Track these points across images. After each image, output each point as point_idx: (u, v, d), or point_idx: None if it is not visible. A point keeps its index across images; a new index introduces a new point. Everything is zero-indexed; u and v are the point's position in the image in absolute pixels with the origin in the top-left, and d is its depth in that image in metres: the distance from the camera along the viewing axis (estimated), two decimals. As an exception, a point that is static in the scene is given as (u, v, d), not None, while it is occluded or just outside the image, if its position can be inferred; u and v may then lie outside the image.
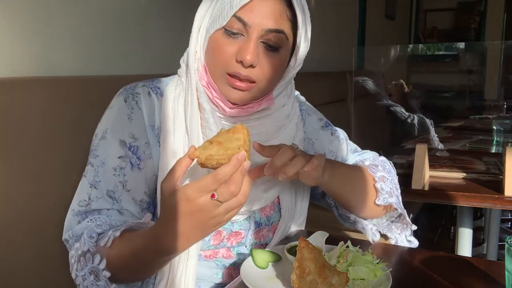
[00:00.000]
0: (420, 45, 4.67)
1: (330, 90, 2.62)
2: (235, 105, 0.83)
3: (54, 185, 0.99)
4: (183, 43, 0.87)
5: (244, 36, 0.78)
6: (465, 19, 5.06)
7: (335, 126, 1.08)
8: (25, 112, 0.95)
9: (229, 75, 0.79)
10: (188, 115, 0.83)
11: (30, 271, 0.95)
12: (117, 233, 0.73)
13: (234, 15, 0.77)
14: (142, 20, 1.44)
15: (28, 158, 0.95)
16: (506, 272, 0.66)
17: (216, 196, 0.63)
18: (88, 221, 0.80)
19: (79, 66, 1.22)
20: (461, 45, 4.46)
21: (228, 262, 0.92)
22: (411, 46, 4.67)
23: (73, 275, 0.78)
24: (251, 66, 0.78)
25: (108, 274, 0.72)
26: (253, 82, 0.80)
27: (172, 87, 0.87)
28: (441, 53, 4.47)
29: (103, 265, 0.72)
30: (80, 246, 0.76)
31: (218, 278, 0.92)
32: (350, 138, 1.11)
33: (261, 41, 0.79)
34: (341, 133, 1.08)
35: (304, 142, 1.00)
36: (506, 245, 0.65)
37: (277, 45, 0.80)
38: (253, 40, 0.77)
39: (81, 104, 1.06)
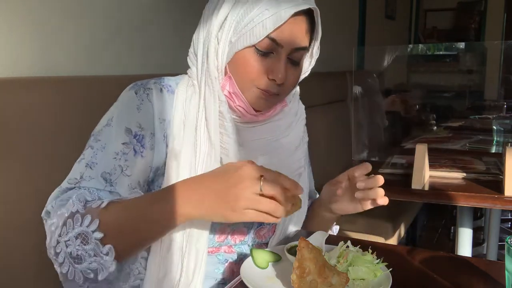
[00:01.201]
0: (420, 45, 4.67)
1: (330, 90, 2.62)
2: (257, 111, 0.87)
3: (54, 185, 0.99)
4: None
5: (273, 54, 0.83)
6: (465, 19, 5.05)
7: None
8: (25, 112, 0.95)
9: (259, 89, 0.84)
10: (212, 122, 0.84)
11: (29, 271, 0.95)
12: (114, 199, 0.74)
13: (268, 36, 0.80)
14: (142, 20, 1.44)
15: (28, 158, 0.95)
16: (506, 272, 0.66)
17: (262, 179, 0.66)
18: (75, 189, 0.78)
19: (80, 66, 1.22)
20: (461, 45, 4.46)
21: (230, 257, 0.93)
22: (411, 46, 4.66)
23: (51, 243, 0.71)
24: (282, 83, 0.84)
25: (100, 235, 0.69)
26: (279, 94, 0.86)
27: (183, 87, 0.88)
28: (441, 53, 4.47)
29: (94, 226, 0.69)
30: (67, 209, 0.72)
31: (220, 273, 0.92)
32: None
33: (287, 57, 0.84)
34: (309, 168, 1.16)
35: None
36: (506, 245, 0.65)
37: (300, 60, 0.87)
38: (283, 60, 0.83)
39: (81, 104, 1.06)
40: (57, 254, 0.70)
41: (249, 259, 0.81)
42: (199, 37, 0.86)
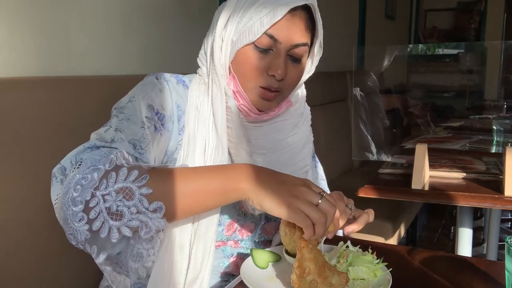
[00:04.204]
0: (420, 45, 4.67)
1: (330, 90, 2.62)
2: (260, 111, 0.89)
3: (54, 185, 0.99)
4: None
5: (273, 51, 0.84)
6: (465, 19, 5.05)
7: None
8: (25, 112, 0.95)
9: (261, 87, 0.85)
10: (219, 117, 0.85)
11: (30, 271, 0.95)
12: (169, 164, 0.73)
13: (265, 33, 0.82)
14: (143, 21, 1.44)
15: (28, 158, 0.95)
16: (506, 272, 0.66)
17: (324, 196, 0.68)
18: (109, 149, 0.72)
19: (80, 66, 1.22)
20: (461, 45, 4.46)
21: (236, 251, 0.93)
22: (411, 46, 4.66)
23: (84, 196, 0.63)
24: (281, 79, 0.85)
25: (148, 190, 0.64)
26: (280, 91, 0.87)
27: (196, 85, 0.90)
28: (441, 53, 4.47)
29: (142, 181, 0.65)
30: (109, 162, 0.66)
31: (225, 267, 0.93)
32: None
33: (287, 54, 0.85)
34: (320, 169, 1.16)
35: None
36: (506, 245, 0.65)
37: (301, 56, 0.87)
38: (282, 56, 0.84)
39: (81, 104, 1.06)
40: (89, 208, 0.63)
41: (249, 259, 0.81)
42: (208, 38, 0.89)
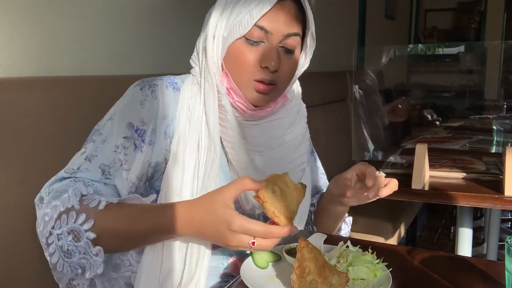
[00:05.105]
0: (420, 45, 4.66)
1: (330, 90, 2.62)
2: (256, 107, 0.89)
3: (54, 185, 0.99)
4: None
5: (264, 42, 0.84)
6: (465, 19, 5.05)
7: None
8: (25, 112, 0.95)
9: (255, 80, 0.85)
10: (211, 116, 0.86)
11: (30, 271, 0.95)
12: (115, 200, 0.75)
13: (255, 25, 0.82)
14: (142, 21, 1.44)
15: (28, 158, 0.95)
16: (506, 272, 0.66)
17: (254, 246, 0.69)
18: (71, 180, 0.79)
19: (79, 66, 1.22)
20: (461, 45, 4.45)
21: (235, 252, 0.93)
22: (411, 46, 4.66)
23: (44, 233, 0.74)
24: (275, 71, 0.84)
25: (92, 235, 0.71)
26: (274, 84, 0.86)
27: (189, 85, 0.90)
28: (441, 53, 4.46)
29: (88, 225, 0.71)
30: (63, 203, 0.74)
31: (224, 268, 0.92)
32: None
33: (279, 46, 0.85)
34: (319, 162, 1.18)
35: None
36: (506, 245, 0.65)
37: (293, 48, 0.87)
38: (274, 47, 0.84)
39: (81, 104, 1.06)
40: (48, 244, 0.73)
41: (249, 259, 0.81)
42: (200, 38, 0.90)
